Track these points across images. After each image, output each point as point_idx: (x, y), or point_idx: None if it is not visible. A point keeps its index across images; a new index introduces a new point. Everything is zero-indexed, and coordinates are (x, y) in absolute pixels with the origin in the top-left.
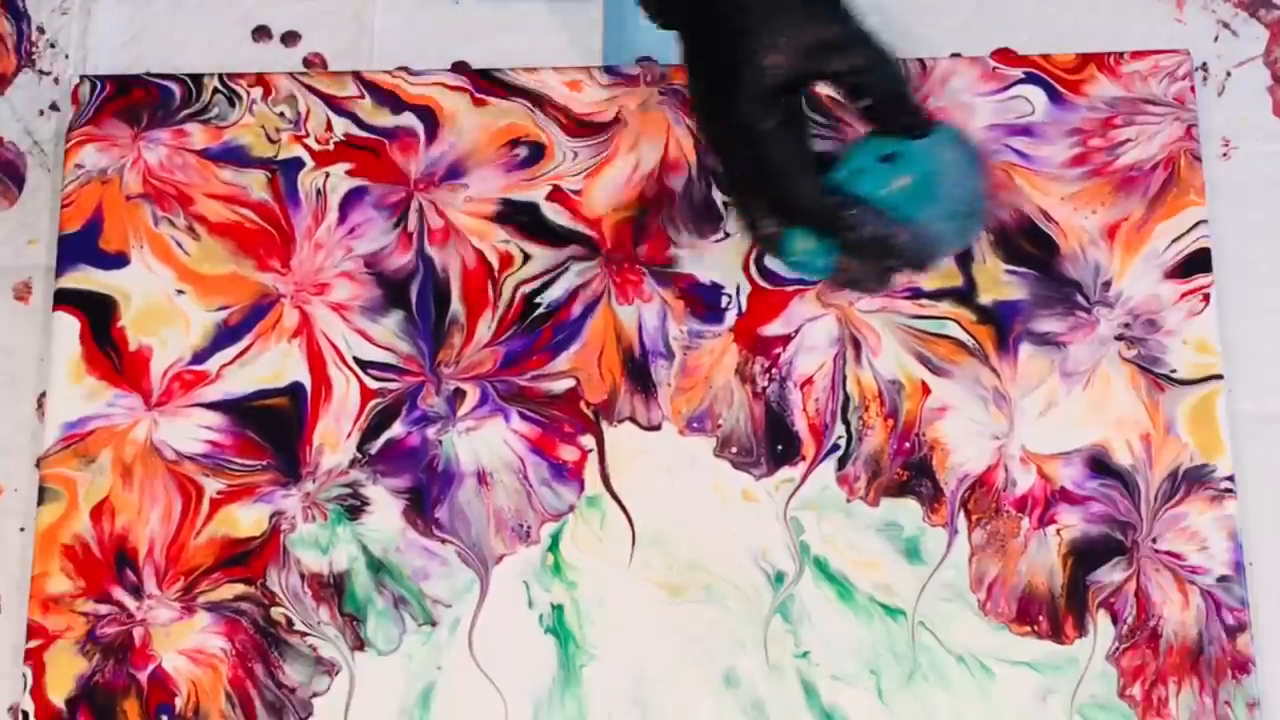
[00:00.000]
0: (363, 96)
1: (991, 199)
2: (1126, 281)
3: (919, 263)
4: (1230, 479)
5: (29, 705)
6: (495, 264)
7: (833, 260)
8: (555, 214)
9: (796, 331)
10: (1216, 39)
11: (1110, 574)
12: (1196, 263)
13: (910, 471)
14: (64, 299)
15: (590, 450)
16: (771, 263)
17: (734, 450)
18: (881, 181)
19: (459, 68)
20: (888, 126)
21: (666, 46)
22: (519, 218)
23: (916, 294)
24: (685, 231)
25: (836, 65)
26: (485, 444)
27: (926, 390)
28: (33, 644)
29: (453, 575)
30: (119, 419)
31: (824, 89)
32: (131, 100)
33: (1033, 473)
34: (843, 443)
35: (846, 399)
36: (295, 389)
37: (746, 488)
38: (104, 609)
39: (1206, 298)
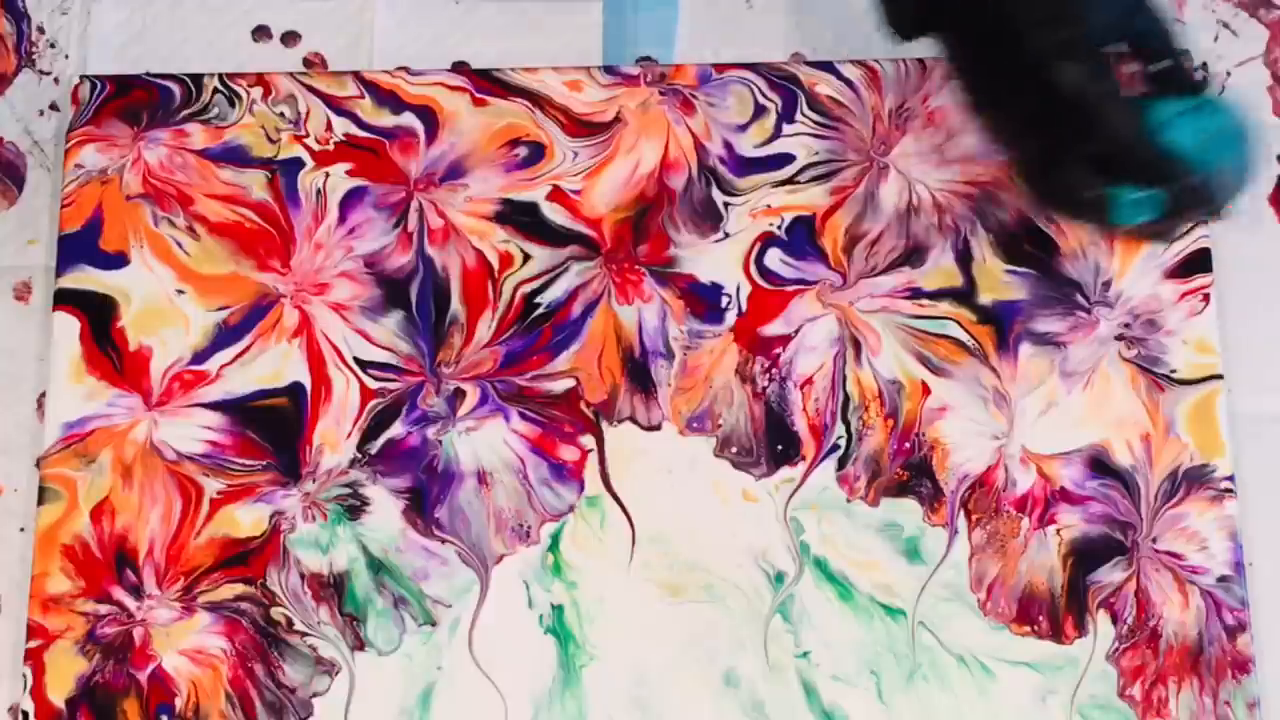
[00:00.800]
0: (363, 96)
1: (1257, 165)
2: (1126, 281)
3: (1226, 209)
4: (1230, 479)
5: (29, 705)
6: (495, 264)
7: (1160, 208)
8: (555, 214)
9: (796, 331)
10: (1216, 39)
11: (1110, 574)
12: (1196, 263)
13: (910, 471)
14: (64, 299)
15: (590, 450)
16: (1088, 227)
17: (734, 450)
18: (1191, 132)
19: (459, 68)
20: (1179, 86)
21: (666, 46)
22: (519, 218)
23: (916, 294)
24: (685, 231)
25: (1142, 25)
26: (485, 444)
27: (926, 390)
28: (33, 644)
29: (453, 575)
30: (119, 419)
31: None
32: (131, 100)
33: (1033, 473)
34: (843, 443)
35: (846, 399)
36: (295, 389)
37: (746, 488)
38: (104, 609)
39: (1206, 298)
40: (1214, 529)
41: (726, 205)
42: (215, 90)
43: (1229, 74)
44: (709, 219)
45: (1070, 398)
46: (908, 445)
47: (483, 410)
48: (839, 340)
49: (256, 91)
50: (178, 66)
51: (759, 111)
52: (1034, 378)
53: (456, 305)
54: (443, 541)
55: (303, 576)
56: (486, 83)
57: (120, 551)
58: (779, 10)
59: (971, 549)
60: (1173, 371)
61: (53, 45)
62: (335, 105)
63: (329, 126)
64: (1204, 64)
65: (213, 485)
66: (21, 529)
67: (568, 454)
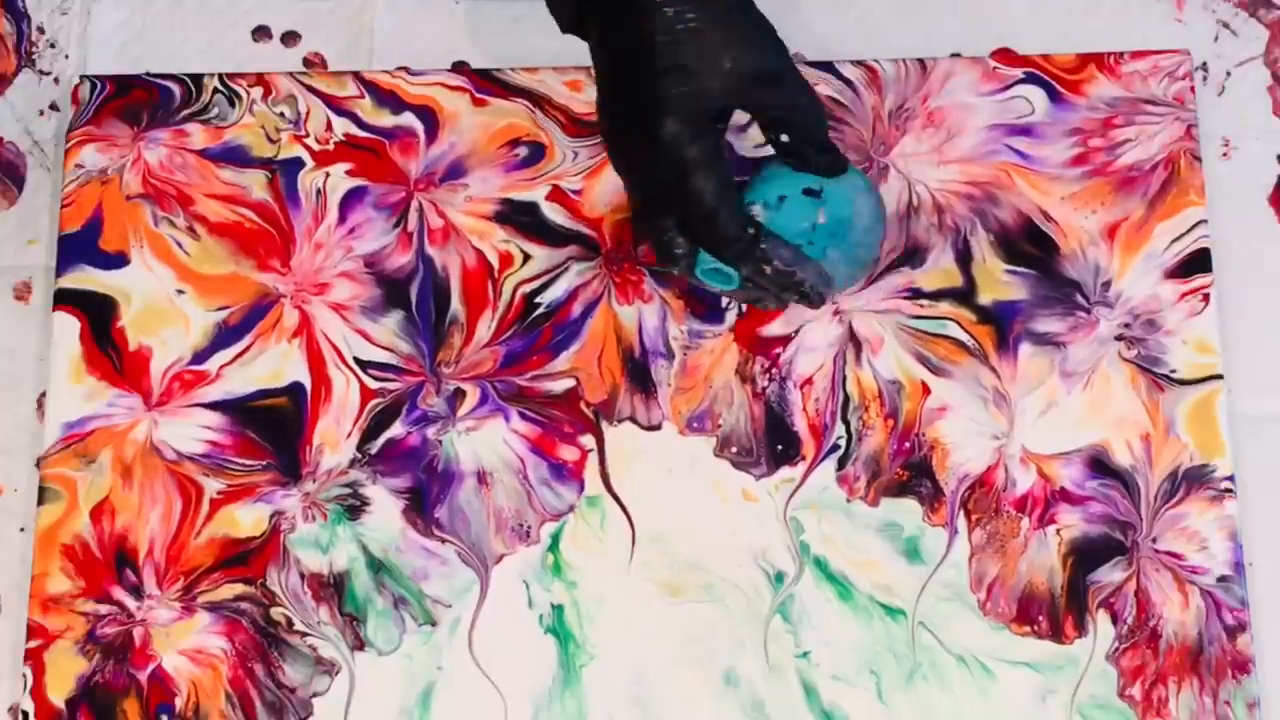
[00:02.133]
0: (363, 96)
1: (882, 253)
2: (1126, 281)
3: (816, 298)
4: (1230, 479)
5: (29, 705)
6: (495, 264)
7: (737, 281)
8: (555, 214)
9: (796, 332)
10: (1216, 39)
11: (1110, 574)
12: (1196, 263)
13: (910, 471)
14: (64, 299)
15: (590, 450)
16: (668, 277)
17: (734, 450)
18: (803, 215)
19: (459, 68)
20: (805, 164)
21: None
22: (519, 218)
23: (916, 294)
24: None
25: (769, 98)
26: (485, 444)
27: (926, 390)
28: (33, 644)
29: (453, 575)
30: (119, 419)
31: (745, 118)
32: (131, 100)
33: (1033, 473)
34: (843, 443)
35: (846, 399)
36: (295, 389)
37: (746, 488)
38: (104, 609)
39: (1206, 298)
40: (1214, 529)
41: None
42: (215, 90)
43: (1229, 74)
44: None
45: (1070, 398)
46: (908, 445)
47: (483, 410)
48: (839, 340)
49: (256, 91)
50: (178, 66)
51: None
52: (1034, 378)
53: (456, 305)
54: (443, 541)
55: (303, 576)
56: (486, 83)
57: (120, 551)
58: (778, 10)
59: (971, 549)
60: (1173, 371)
61: (53, 45)
62: (335, 105)
63: (329, 126)
64: (1204, 64)
65: (213, 485)
66: (21, 529)
67: (568, 454)
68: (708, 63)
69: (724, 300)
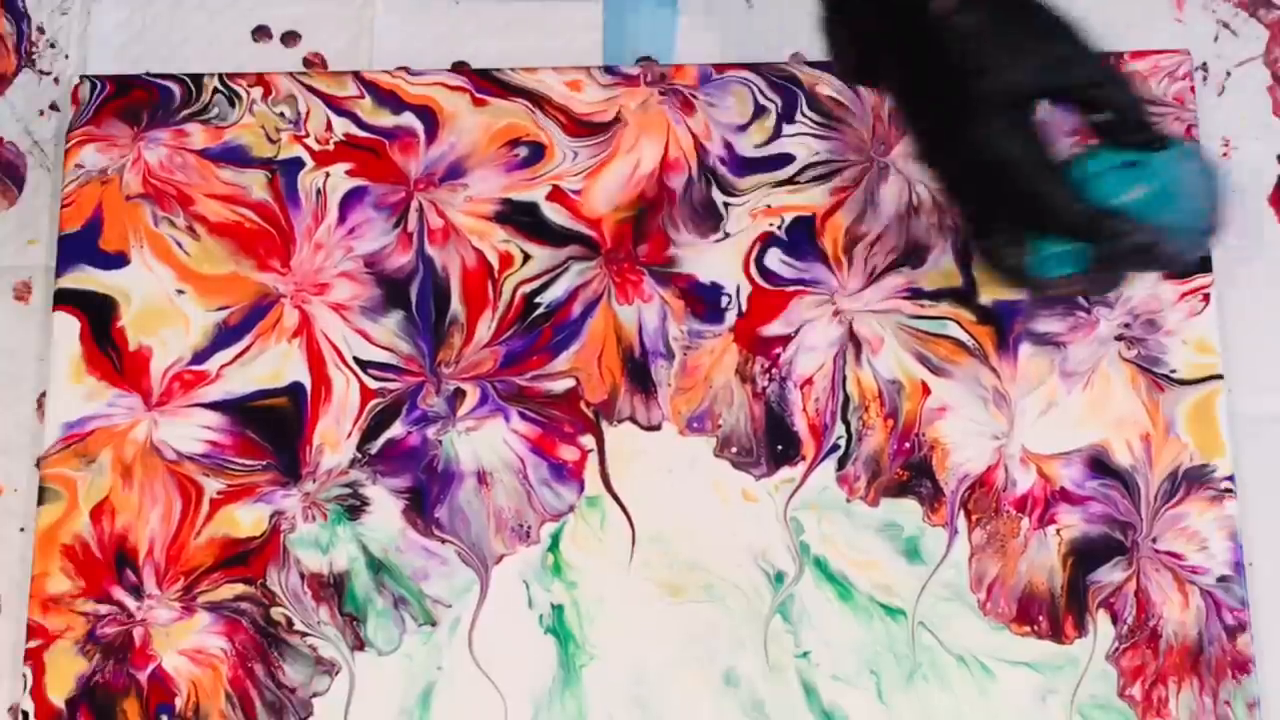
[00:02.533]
0: (363, 96)
1: (1223, 220)
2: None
3: (1175, 256)
4: (1230, 479)
5: (29, 705)
6: (495, 264)
7: (1086, 259)
8: (555, 214)
9: (796, 331)
10: (1216, 39)
11: (1110, 574)
12: (1196, 263)
13: (910, 471)
14: (64, 299)
15: (590, 450)
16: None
17: (734, 450)
18: (1120, 188)
19: (459, 68)
20: (1125, 139)
21: (667, 47)
22: (519, 218)
23: (916, 294)
24: (685, 231)
25: (1071, 79)
26: (485, 444)
27: (926, 390)
28: (33, 644)
29: (453, 575)
30: (119, 419)
31: (1057, 105)
32: (131, 100)
33: (1033, 473)
34: (843, 443)
35: (846, 399)
36: (295, 389)
37: (746, 488)
38: (104, 609)
39: (1206, 298)
40: (1214, 529)
41: (726, 205)
42: (215, 90)
43: (1229, 74)
44: (709, 219)
45: (1070, 398)
46: (908, 445)
47: (483, 410)
48: (839, 340)
49: (256, 91)
50: (178, 66)
51: (759, 111)
52: (1034, 378)
53: (456, 305)
54: (443, 541)
55: (303, 576)
56: (486, 83)
57: (120, 551)
58: (779, 10)
59: (971, 549)
60: (1173, 371)
61: (53, 45)
62: (335, 105)
63: (329, 126)
64: (1204, 64)
65: (213, 485)
66: (21, 529)
67: (568, 454)
68: (1006, 57)
69: (1064, 296)
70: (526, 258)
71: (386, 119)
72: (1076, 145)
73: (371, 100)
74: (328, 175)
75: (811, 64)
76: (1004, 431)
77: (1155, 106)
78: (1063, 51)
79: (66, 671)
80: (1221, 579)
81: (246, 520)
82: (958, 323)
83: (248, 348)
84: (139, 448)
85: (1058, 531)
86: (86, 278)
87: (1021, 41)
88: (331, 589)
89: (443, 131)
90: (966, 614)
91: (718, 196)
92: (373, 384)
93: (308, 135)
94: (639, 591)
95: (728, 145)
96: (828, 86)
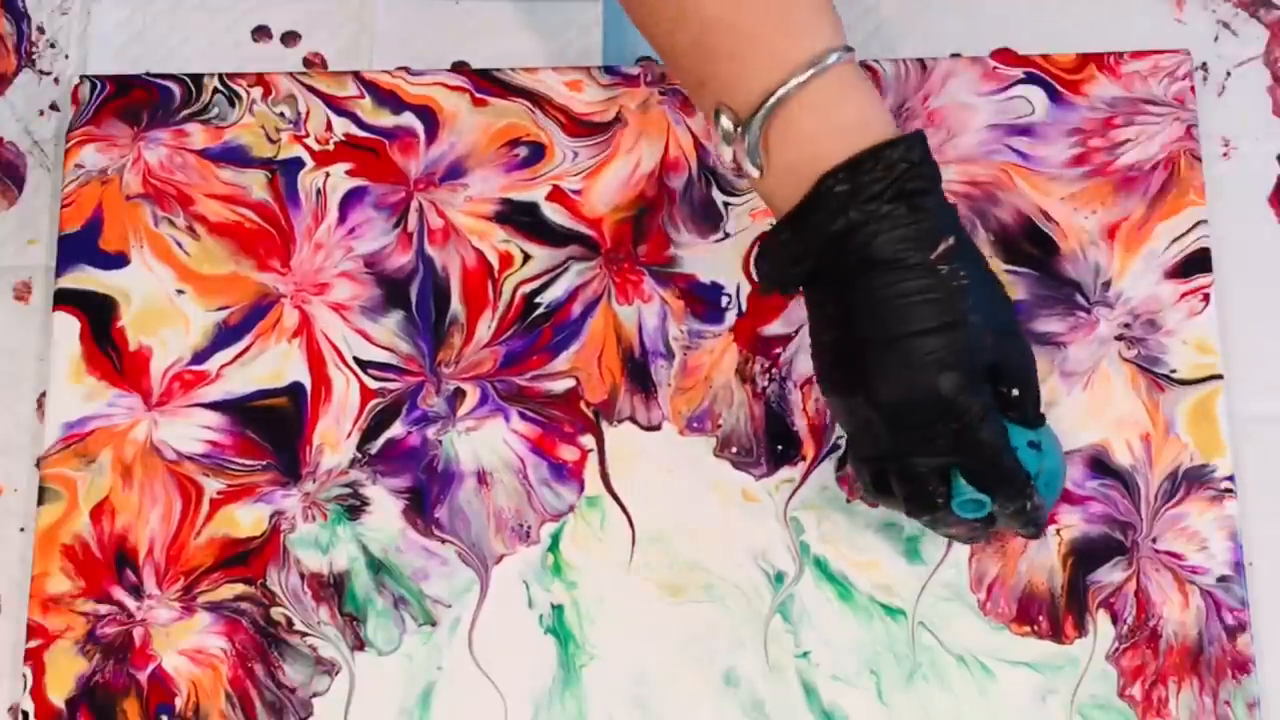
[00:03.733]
0: (363, 96)
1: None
2: (1126, 281)
3: (1037, 532)
4: (1230, 479)
5: (29, 705)
6: (495, 264)
7: (987, 509)
8: (555, 214)
9: (797, 332)
10: (1216, 39)
11: (1110, 574)
12: (1196, 263)
13: None
14: (64, 299)
15: (590, 450)
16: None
17: (734, 450)
18: (1031, 461)
19: (459, 68)
20: (1023, 418)
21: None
22: (519, 218)
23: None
24: (685, 231)
25: (1013, 352)
26: (485, 444)
27: None
28: (33, 644)
29: (453, 575)
30: (119, 419)
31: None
32: (131, 100)
33: None
34: (843, 443)
35: None
36: (295, 389)
37: (746, 488)
38: (104, 609)
39: (1206, 298)
40: (1214, 529)
41: (727, 205)
42: (215, 90)
43: (1229, 74)
44: (709, 219)
45: (1070, 398)
46: None
47: (483, 410)
48: None
49: (256, 91)
50: (178, 66)
51: None
52: None
53: (456, 305)
54: (443, 541)
55: (303, 576)
56: (486, 83)
57: (120, 551)
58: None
59: (971, 549)
60: (1173, 371)
61: (53, 45)
62: (335, 105)
63: (329, 126)
64: (1204, 64)
65: (213, 485)
66: (21, 529)
67: (568, 454)
68: (980, 316)
69: (948, 536)
70: (526, 258)
71: (386, 119)
72: None
73: (371, 100)
74: (328, 175)
75: None
76: None
77: (1155, 104)
78: (1011, 319)
79: (66, 671)
80: (1221, 579)
81: (246, 520)
82: None
83: (248, 348)
84: (139, 448)
85: (1058, 531)
86: (86, 278)
87: (988, 304)
88: (331, 589)
89: (443, 131)
90: (966, 614)
91: (718, 196)
92: (373, 384)
93: (308, 135)
94: (639, 591)
95: None
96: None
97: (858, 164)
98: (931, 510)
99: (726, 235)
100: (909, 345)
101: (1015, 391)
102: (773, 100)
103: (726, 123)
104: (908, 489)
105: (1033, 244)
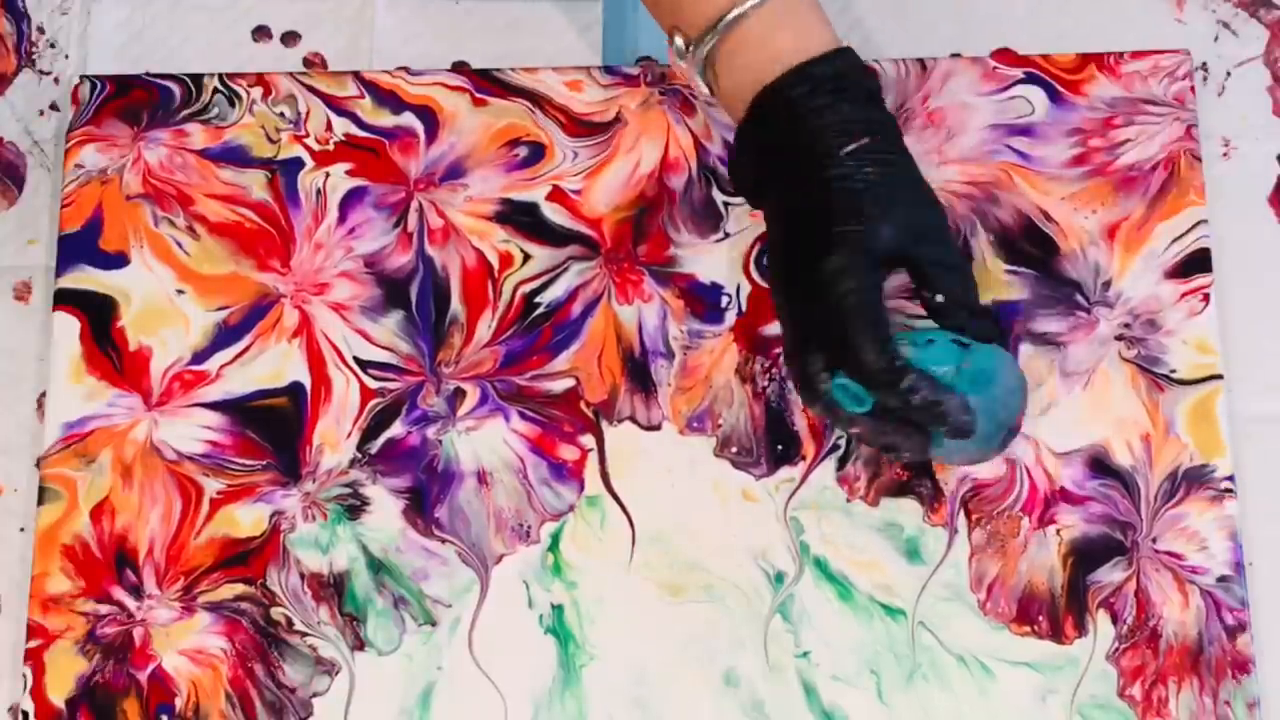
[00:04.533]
0: (363, 96)
1: (1018, 427)
2: (1126, 281)
3: (954, 433)
4: (1230, 479)
5: (29, 705)
6: (495, 264)
7: (869, 404)
8: (555, 214)
9: None
10: (1216, 39)
11: (1110, 574)
12: (1196, 263)
13: (910, 471)
14: (64, 299)
15: (590, 450)
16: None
17: (734, 450)
18: (948, 357)
19: (459, 68)
20: (958, 326)
21: (667, 47)
22: (519, 218)
23: (917, 294)
24: (685, 231)
25: (928, 253)
26: (485, 444)
27: None
28: (33, 644)
29: (453, 575)
30: (119, 419)
31: (904, 274)
32: (131, 100)
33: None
34: (843, 443)
35: None
36: (295, 389)
37: (746, 488)
38: (104, 609)
39: (1206, 298)
40: (1214, 529)
41: (726, 205)
42: (215, 90)
43: (1229, 74)
44: (709, 219)
45: (1070, 398)
46: None
47: (483, 410)
48: None
49: (256, 91)
50: (178, 66)
51: None
52: (1034, 378)
53: (456, 305)
54: (443, 541)
55: (303, 576)
56: (486, 83)
57: (120, 551)
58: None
59: (971, 549)
60: (1173, 371)
61: (53, 45)
62: (335, 105)
63: (329, 126)
64: (1204, 64)
65: (213, 485)
66: (21, 529)
67: (568, 454)
68: (880, 210)
69: (851, 435)
70: (526, 258)
71: (386, 119)
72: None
73: (371, 100)
74: (328, 175)
75: None
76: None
77: (1155, 104)
78: (929, 226)
79: (66, 671)
80: (1221, 579)
81: (246, 520)
82: None
83: (248, 348)
84: (139, 448)
85: (1058, 531)
86: (86, 278)
87: (899, 205)
88: (331, 589)
89: (443, 131)
90: (966, 614)
91: (718, 196)
92: (373, 384)
93: (308, 135)
94: (639, 591)
95: (728, 145)
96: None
97: (787, 82)
98: (815, 399)
99: (726, 235)
100: (810, 233)
101: (939, 297)
102: (720, 25)
103: (679, 42)
104: (795, 375)
105: (1033, 244)
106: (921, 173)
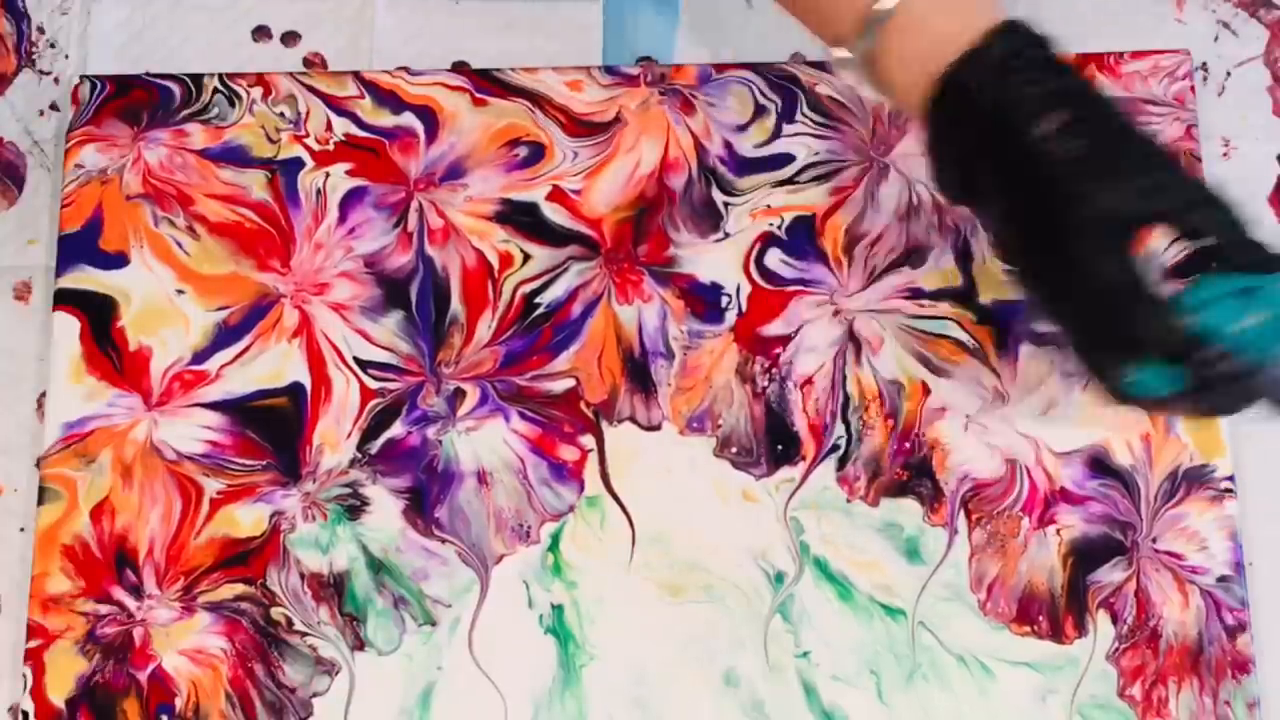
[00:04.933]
0: (363, 96)
1: None
2: None
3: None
4: (1230, 479)
5: (29, 705)
6: (495, 264)
7: (1180, 383)
8: (555, 214)
9: (796, 331)
10: (1216, 39)
11: (1110, 574)
12: (1196, 263)
13: (910, 471)
14: (64, 299)
15: (590, 450)
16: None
17: (734, 450)
18: (1234, 315)
19: (459, 68)
20: (1234, 262)
21: (667, 47)
22: (519, 218)
23: (916, 294)
24: (685, 231)
25: (1170, 203)
26: (485, 444)
27: (926, 390)
28: (33, 644)
29: (453, 575)
30: (119, 419)
31: (1161, 234)
32: (131, 100)
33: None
34: (843, 443)
35: (846, 399)
36: (295, 389)
37: (746, 488)
38: (104, 609)
39: None
40: (1214, 529)
41: (726, 205)
42: (215, 90)
43: (1229, 74)
44: (709, 219)
45: (1070, 398)
46: (908, 445)
47: (483, 410)
48: (839, 340)
49: (256, 91)
50: (178, 66)
51: (759, 111)
52: (1034, 378)
53: (456, 305)
54: (443, 541)
55: (303, 576)
56: (486, 83)
57: (120, 551)
58: (779, 10)
59: (971, 549)
60: None
61: (53, 45)
62: (335, 105)
63: (329, 126)
64: (1204, 64)
65: (213, 485)
66: (21, 529)
67: (568, 454)
68: (1106, 176)
69: (1175, 412)
70: (526, 258)
71: (386, 119)
72: (1186, 277)
73: (371, 100)
74: (328, 175)
75: (811, 64)
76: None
77: (1155, 104)
78: (1161, 178)
79: (66, 671)
80: (1221, 579)
81: (246, 520)
82: (958, 323)
83: (248, 348)
84: (139, 448)
85: (1058, 531)
86: (86, 278)
87: (1120, 167)
88: (331, 589)
89: (443, 131)
90: (966, 614)
91: (718, 196)
92: (373, 384)
93: (308, 135)
94: (639, 591)
95: (728, 145)
96: (828, 86)
97: (959, 70)
98: (1124, 399)
99: (726, 235)
100: (1045, 229)
101: (1204, 240)
102: (865, 27)
103: (838, 54)
104: (1091, 376)
105: None
106: (1133, 120)
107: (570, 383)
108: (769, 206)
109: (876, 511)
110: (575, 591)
